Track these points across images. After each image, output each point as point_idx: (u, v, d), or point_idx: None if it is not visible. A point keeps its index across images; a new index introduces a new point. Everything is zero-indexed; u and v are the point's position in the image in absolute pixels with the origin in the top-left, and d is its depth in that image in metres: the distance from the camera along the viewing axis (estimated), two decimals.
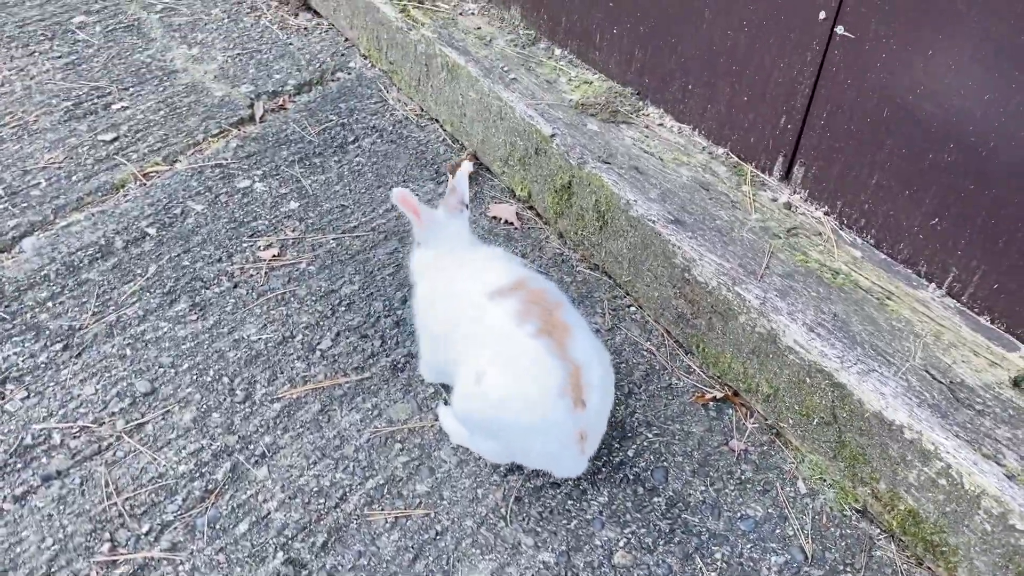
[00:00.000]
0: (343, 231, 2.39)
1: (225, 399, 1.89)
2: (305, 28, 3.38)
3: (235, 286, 2.18)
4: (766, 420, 1.92)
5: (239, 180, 2.54)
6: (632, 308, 2.20)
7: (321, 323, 2.10)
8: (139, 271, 2.19)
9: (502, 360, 1.57)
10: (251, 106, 2.87)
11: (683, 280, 1.99)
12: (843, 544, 1.70)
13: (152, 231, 2.32)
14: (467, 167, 1.88)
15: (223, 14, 3.44)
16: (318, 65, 3.12)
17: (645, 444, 1.87)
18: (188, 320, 2.07)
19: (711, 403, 1.96)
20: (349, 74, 3.11)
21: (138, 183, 2.50)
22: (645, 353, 2.08)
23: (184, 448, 1.79)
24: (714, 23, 2.14)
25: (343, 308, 2.14)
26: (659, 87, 2.39)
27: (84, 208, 2.39)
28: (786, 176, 2.15)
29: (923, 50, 1.72)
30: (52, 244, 2.25)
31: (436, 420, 1.88)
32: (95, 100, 2.83)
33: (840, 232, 2.04)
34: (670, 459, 1.85)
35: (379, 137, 2.78)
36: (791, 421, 1.84)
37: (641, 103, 2.45)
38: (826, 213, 2.08)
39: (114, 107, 2.81)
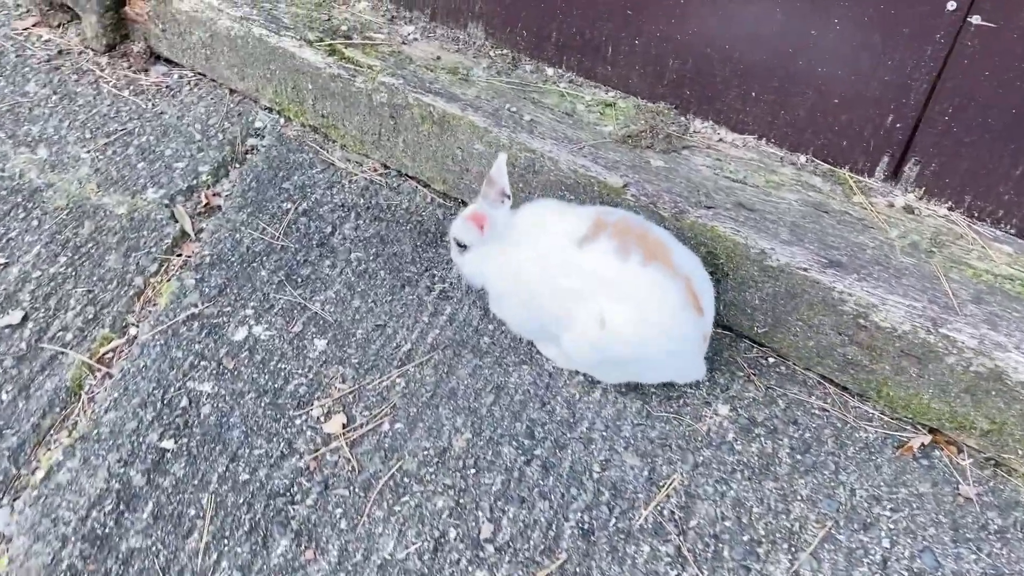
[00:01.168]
0: (400, 361, 1.90)
1: None
2: (167, 87, 2.66)
3: (326, 486, 1.67)
4: (981, 453, 1.78)
5: (231, 331, 1.94)
6: (772, 360, 1.95)
7: (462, 503, 1.66)
8: (191, 511, 1.61)
9: (622, 297, 1.65)
10: (173, 217, 2.20)
11: (856, 327, 1.77)
12: None
13: (169, 444, 1.71)
14: (503, 157, 1.77)
15: (44, 89, 2.61)
16: (221, 136, 2.46)
17: (890, 526, 1.67)
18: (305, 561, 1.55)
19: (917, 450, 1.80)
20: (262, 138, 2.49)
21: (100, 375, 1.83)
22: (818, 413, 1.86)
23: None
24: (788, 25, 1.86)
25: (473, 472, 1.71)
26: (707, 98, 2.08)
27: (52, 441, 1.71)
28: (893, 175, 1.96)
29: None
30: (45, 512, 1.59)
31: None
32: None
33: (975, 227, 1.90)
34: (923, 534, 1.66)
35: (358, 218, 2.25)
36: (1020, 452, 1.72)
37: (684, 119, 2.14)
38: (950, 208, 1.93)
39: None
